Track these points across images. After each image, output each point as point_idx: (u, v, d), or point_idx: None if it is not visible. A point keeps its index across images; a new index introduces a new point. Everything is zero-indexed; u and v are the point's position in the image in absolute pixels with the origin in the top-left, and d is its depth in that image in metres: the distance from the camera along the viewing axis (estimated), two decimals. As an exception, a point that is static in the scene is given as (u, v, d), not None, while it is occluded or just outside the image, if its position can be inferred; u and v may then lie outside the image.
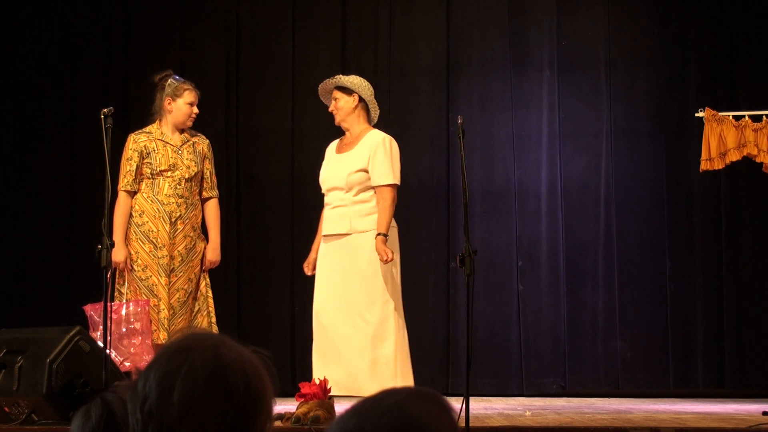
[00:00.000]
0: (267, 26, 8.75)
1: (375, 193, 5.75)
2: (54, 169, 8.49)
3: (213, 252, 6.05)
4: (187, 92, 6.04)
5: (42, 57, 8.60)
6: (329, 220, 5.82)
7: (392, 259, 5.62)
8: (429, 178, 8.62)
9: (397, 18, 8.74)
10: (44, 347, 5.12)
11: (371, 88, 5.93)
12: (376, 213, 5.72)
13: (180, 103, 6.03)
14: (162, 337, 5.84)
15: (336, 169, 5.85)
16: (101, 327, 5.58)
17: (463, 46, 8.74)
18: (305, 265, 5.97)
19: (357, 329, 5.63)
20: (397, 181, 5.79)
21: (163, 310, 5.85)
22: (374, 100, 5.94)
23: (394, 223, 5.87)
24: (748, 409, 6.72)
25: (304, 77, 8.58)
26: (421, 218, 8.59)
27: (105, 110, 5.35)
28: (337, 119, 5.91)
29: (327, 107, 8.59)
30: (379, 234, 5.65)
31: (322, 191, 5.95)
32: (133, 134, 6.05)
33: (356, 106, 5.87)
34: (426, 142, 8.67)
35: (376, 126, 6.08)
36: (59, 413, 5.01)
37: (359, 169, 5.75)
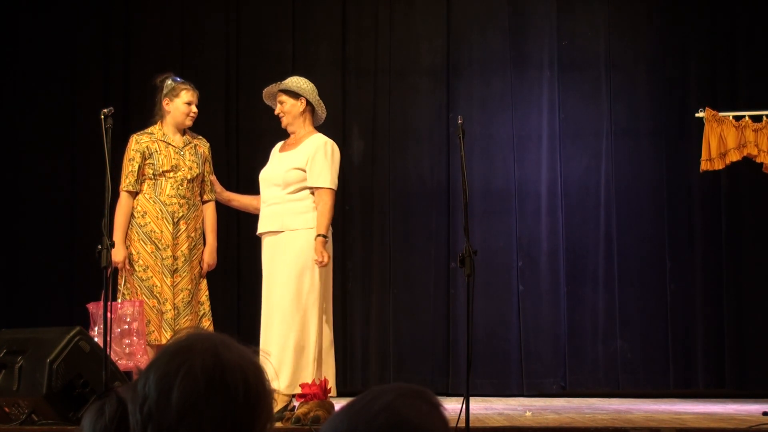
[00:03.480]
0: (267, 26, 8.75)
1: (312, 194, 5.71)
2: (54, 169, 8.49)
3: (210, 255, 6.07)
4: (184, 92, 6.05)
5: (42, 57, 8.61)
6: (263, 218, 5.80)
7: (325, 264, 5.55)
8: (429, 178, 8.62)
9: (397, 18, 8.75)
10: (44, 347, 5.12)
11: (315, 90, 5.92)
12: (309, 212, 5.65)
13: (178, 103, 6.04)
14: (169, 337, 5.83)
15: (275, 167, 5.84)
16: (98, 326, 5.59)
17: (463, 46, 8.74)
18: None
19: (281, 328, 5.59)
20: (334, 186, 5.72)
21: (169, 310, 5.85)
22: (320, 101, 5.93)
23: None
24: (748, 409, 6.73)
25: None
26: (421, 218, 8.59)
27: (105, 110, 5.35)
28: (284, 122, 5.90)
29: (328, 106, 8.61)
30: (319, 235, 5.57)
31: (260, 189, 5.94)
32: (135, 135, 6.05)
33: (303, 110, 5.87)
34: (426, 142, 8.68)
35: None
36: (59, 413, 5.01)
37: (296, 167, 5.71)
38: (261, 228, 5.81)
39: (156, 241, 5.90)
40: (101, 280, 5.21)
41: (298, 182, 5.71)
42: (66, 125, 8.55)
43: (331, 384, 5.49)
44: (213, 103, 8.51)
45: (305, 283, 5.60)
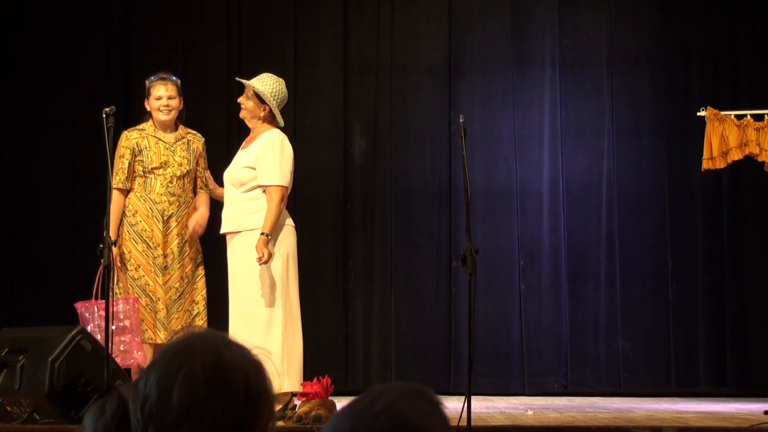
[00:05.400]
0: (268, 25, 8.75)
1: (264, 192, 5.67)
2: (56, 168, 8.49)
3: (199, 218, 5.94)
4: (153, 88, 5.98)
5: (44, 56, 8.61)
6: (223, 219, 5.76)
7: (266, 261, 5.47)
8: (430, 177, 8.62)
9: (399, 17, 8.74)
10: (46, 346, 5.12)
11: (286, 97, 5.82)
12: (263, 211, 5.58)
13: (151, 101, 6.00)
14: (163, 336, 5.81)
15: (232, 165, 5.80)
16: (90, 324, 5.58)
17: (465, 45, 8.74)
18: None
19: (244, 329, 5.54)
20: (283, 182, 5.62)
21: (162, 309, 5.83)
22: (280, 115, 5.79)
23: (290, 221, 5.73)
24: (750, 408, 6.72)
25: (305, 76, 8.59)
26: (423, 217, 8.59)
27: (107, 109, 5.35)
28: (242, 115, 5.84)
29: (330, 105, 8.64)
30: (262, 233, 5.51)
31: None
32: (126, 131, 5.99)
33: (263, 113, 5.79)
34: (428, 141, 8.67)
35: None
36: (61, 412, 5.01)
37: (247, 166, 5.65)
38: (222, 228, 5.78)
39: (147, 239, 5.86)
40: (102, 278, 5.21)
41: (250, 181, 5.65)
42: (67, 124, 8.55)
43: (298, 381, 5.48)
44: (214, 101, 8.52)
45: (265, 283, 5.56)
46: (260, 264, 5.50)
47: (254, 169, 5.65)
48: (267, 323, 5.55)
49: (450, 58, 8.70)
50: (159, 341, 5.80)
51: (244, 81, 5.81)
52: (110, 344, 5.11)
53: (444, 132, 8.61)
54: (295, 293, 5.69)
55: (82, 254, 7.93)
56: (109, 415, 1.49)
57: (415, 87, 8.73)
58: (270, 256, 5.49)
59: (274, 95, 5.76)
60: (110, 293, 5.24)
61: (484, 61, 8.72)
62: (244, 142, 5.92)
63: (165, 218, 5.89)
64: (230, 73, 8.65)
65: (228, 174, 5.81)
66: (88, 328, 5.55)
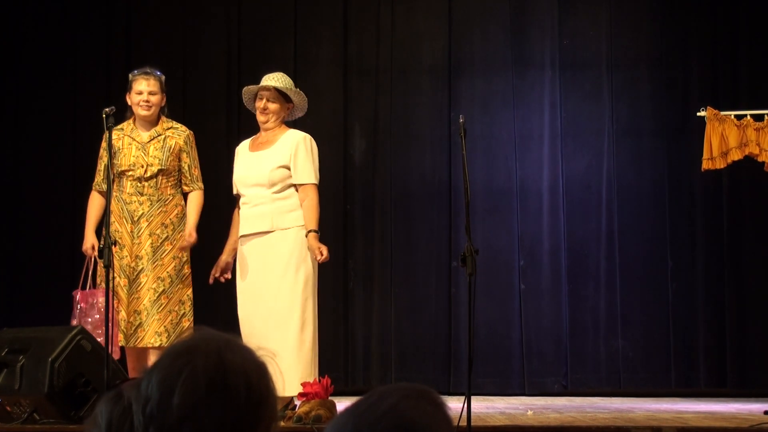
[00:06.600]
0: (268, 25, 8.75)
1: (296, 190, 5.67)
2: (56, 168, 8.50)
3: (187, 232, 5.75)
4: (135, 82, 5.85)
5: (44, 56, 8.61)
6: (248, 219, 5.68)
7: (327, 258, 5.52)
8: (431, 177, 8.62)
9: (399, 17, 8.75)
10: (46, 346, 5.12)
11: (292, 82, 5.86)
12: (297, 210, 5.59)
13: (132, 95, 5.88)
14: (120, 338, 5.70)
15: (254, 167, 5.72)
16: (82, 317, 5.55)
17: (465, 45, 8.74)
18: (214, 270, 5.75)
19: (278, 330, 5.53)
20: (317, 181, 5.71)
21: (121, 311, 5.70)
22: (303, 95, 5.85)
23: None
24: (750, 408, 6.72)
25: (305, 76, 8.57)
26: (423, 218, 8.59)
27: (107, 109, 5.33)
28: (266, 119, 5.77)
29: (330, 106, 8.63)
30: (311, 231, 5.54)
31: (237, 192, 5.79)
32: (107, 131, 5.81)
33: (288, 110, 5.82)
34: (427, 141, 8.68)
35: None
36: (61, 412, 5.02)
37: (281, 166, 5.64)
38: (248, 229, 5.69)
39: (118, 240, 5.74)
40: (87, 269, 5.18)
41: (283, 180, 5.65)
42: (68, 125, 8.55)
43: (311, 379, 5.48)
44: (214, 101, 8.52)
45: (300, 281, 5.57)
46: (322, 261, 5.52)
47: (288, 168, 5.66)
48: (301, 322, 5.55)
49: (450, 58, 8.70)
50: (120, 344, 5.72)
51: (262, 85, 5.78)
52: (110, 345, 5.10)
53: (444, 132, 8.62)
54: (316, 292, 5.72)
55: (82, 254, 7.92)
56: (126, 400, 1.48)
57: (415, 87, 8.73)
58: (327, 251, 5.52)
59: (293, 84, 5.82)
60: (110, 294, 5.22)
61: (484, 62, 8.72)
62: (252, 144, 5.88)
63: (135, 219, 5.76)
64: (230, 73, 8.66)
65: (251, 174, 5.72)
66: (74, 320, 5.54)
